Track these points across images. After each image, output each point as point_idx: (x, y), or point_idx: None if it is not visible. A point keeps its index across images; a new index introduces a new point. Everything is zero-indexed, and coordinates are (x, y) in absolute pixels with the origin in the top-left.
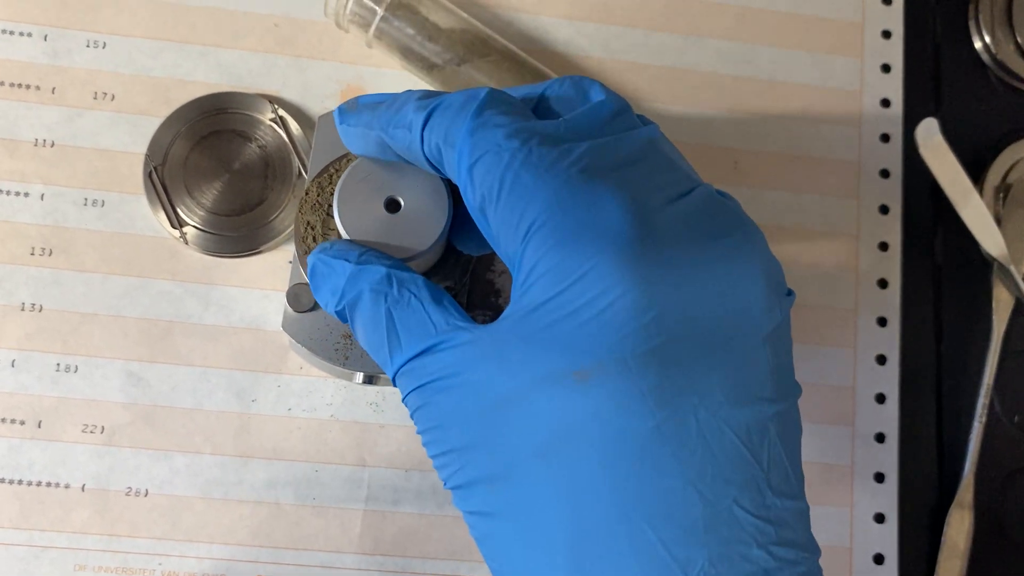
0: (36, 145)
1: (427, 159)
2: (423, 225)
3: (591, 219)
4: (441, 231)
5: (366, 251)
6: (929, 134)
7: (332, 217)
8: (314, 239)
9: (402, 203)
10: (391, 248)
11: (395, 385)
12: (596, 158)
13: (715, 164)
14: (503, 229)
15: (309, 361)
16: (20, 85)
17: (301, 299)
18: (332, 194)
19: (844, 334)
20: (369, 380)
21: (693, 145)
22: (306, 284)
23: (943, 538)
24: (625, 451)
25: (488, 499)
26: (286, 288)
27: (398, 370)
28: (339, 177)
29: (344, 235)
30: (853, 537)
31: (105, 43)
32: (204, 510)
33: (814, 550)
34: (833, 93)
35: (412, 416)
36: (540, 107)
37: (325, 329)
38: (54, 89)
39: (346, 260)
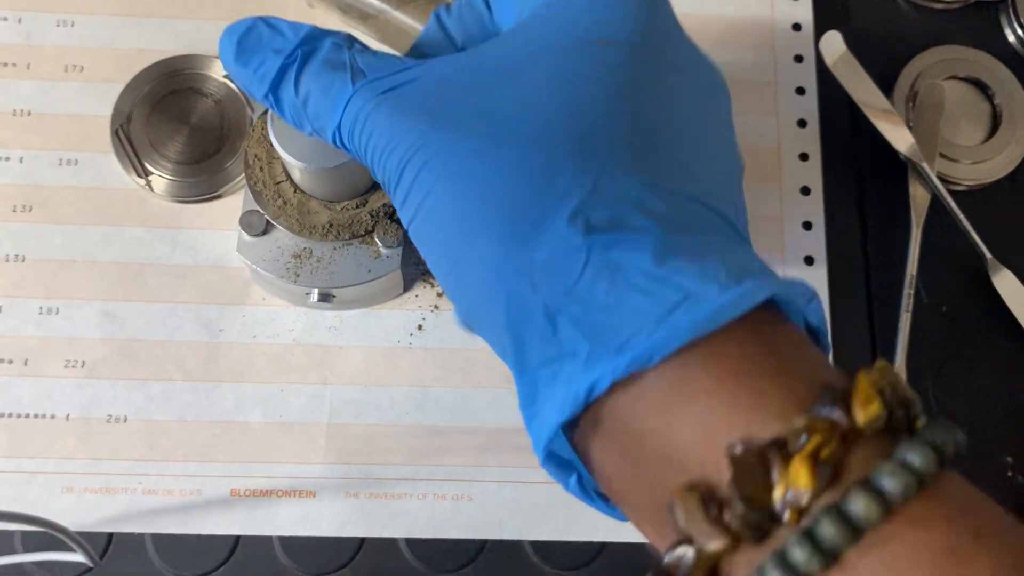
0: (15, 115)
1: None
2: None
3: None
4: None
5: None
6: (834, 46)
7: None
8: (260, 168)
9: None
10: (325, 160)
11: (340, 129)
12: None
13: None
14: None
15: (267, 289)
16: None
17: (253, 224)
18: None
19: (772, 240)
20: (323, 298)
21: None
22: (258, 211)
23: None
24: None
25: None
26: None
27: (356, 91)
28: None
29: (282, 154)
30: None
31: (73, 22)
32: (178, 432)
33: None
34: (746, 21)
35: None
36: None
37: (276, 251)
38: (29, 65)
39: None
